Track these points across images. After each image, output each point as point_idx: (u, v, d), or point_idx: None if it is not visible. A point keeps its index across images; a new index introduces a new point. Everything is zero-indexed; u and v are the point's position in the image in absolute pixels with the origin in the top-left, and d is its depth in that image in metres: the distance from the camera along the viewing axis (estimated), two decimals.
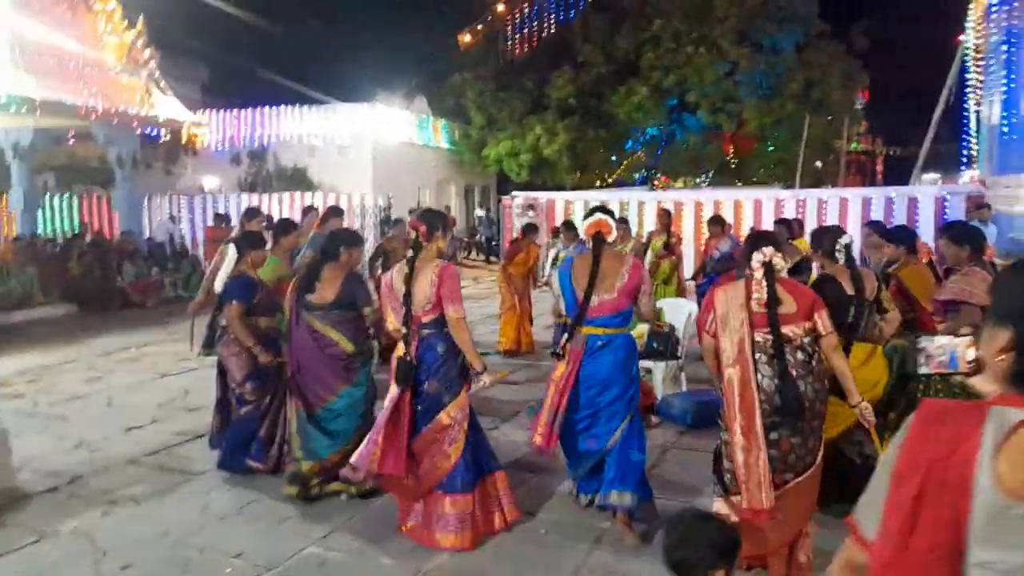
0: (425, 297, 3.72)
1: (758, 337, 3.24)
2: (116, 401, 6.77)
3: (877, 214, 13.39)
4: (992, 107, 13.21)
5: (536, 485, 4.56)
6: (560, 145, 23.33)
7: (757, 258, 3.29)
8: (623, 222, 9.29)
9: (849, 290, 3.86)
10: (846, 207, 13.73)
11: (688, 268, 13.52)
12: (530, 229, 9.28)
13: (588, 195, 16.73)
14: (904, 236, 5.12)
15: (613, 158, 26.11)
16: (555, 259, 9.45)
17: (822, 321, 3.28)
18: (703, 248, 9.79)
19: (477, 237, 22.13)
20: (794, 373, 3.21)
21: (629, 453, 3.75)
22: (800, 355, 3.25)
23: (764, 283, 3.24)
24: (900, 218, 13.06)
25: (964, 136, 15.44)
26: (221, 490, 4.58)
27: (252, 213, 7.17)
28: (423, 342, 3.78)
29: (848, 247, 3.92)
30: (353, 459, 3.79)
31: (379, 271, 8.07)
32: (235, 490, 4.56)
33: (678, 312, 6.72)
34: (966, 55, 14.22)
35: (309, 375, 4.28)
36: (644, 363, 5.64)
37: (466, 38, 27.62)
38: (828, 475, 3.41)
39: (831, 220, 13.78)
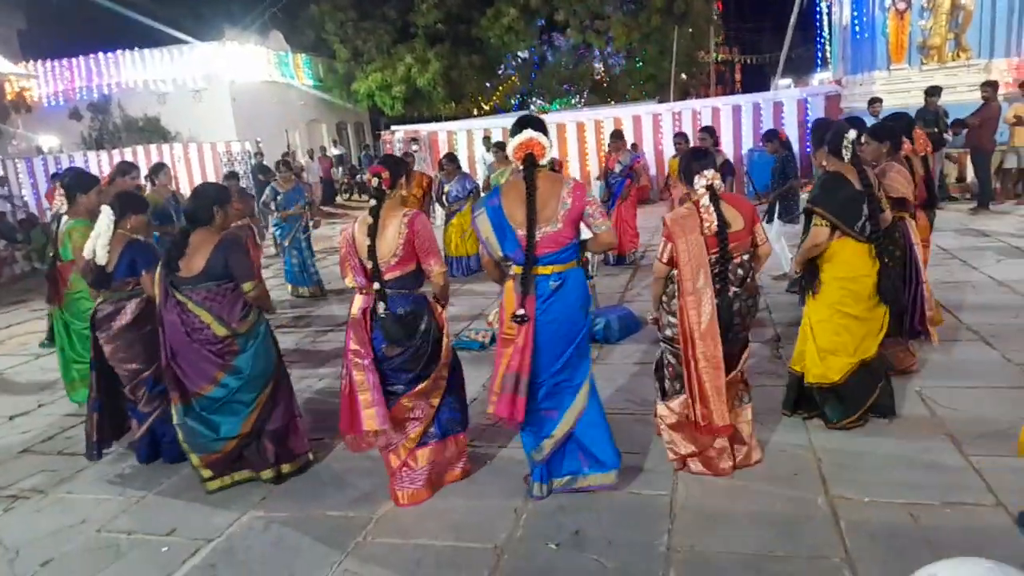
0: (390, 250, 3.35)
1: (710, 258, 3.32)
2: None
3: (747, 120, 14.00)
4: (843, 10, 13.86)
5: (473, 414, 4.50)
6: (433, 74, 22.59)
7: (700, 182, 3.30)
8: (500, 147, 9.22)
9: (858, 186, 3.66)
10: (718, 115, 14.21)
11: None
12: (406, 157, 9.60)
13: (471, 123, 16.38)
14: (887, 132, 4.54)
15: (488, 84, 25.62)
16: (440, 194, 9.26)
17: (759, 233, 3.44)
18: (604, 162, 9.85)
19: (357, 177, 21.25)
20: (731, 292, 3.33)
21: (593, 426, 3.38)
22: (740, 271, 3.38)
23: (711, 208, 3.26)
24: (768, 122, 13.68)
25: (818, 39, 16.21)
26: (135, 468, 4.23)
27: (126, 167, 5.98)
28: (390, 302, 3.39)
29: (855, 143, 3.66)
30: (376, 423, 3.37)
31: None
32: (151, 466, 4.22)
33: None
34: None
35: (184, 361, 3.68)
36: None
37: None
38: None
39: None
